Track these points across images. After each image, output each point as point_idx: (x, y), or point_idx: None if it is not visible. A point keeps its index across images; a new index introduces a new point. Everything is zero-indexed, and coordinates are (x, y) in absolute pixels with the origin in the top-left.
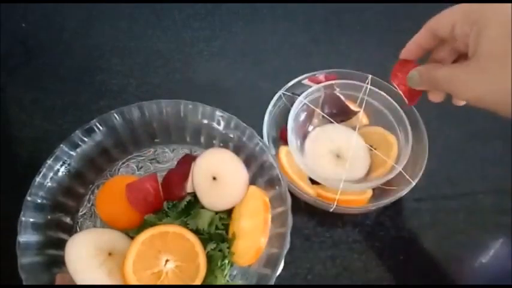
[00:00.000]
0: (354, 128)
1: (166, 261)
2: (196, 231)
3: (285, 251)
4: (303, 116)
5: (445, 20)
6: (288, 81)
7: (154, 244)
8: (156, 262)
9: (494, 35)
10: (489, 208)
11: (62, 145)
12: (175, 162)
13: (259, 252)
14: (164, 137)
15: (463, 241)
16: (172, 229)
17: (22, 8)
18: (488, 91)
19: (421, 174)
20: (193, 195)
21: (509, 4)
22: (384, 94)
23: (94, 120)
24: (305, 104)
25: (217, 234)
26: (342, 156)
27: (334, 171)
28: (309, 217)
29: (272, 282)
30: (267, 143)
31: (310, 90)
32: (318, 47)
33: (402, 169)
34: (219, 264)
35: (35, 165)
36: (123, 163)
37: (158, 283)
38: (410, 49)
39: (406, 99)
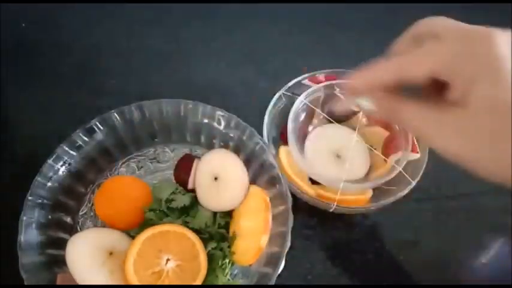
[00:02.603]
0: (354, 128)
1: (167, 260)
2: (197, 231)
3: (286, 250)
4: (303, 116)
5: (421, 68)
6: (288, 81)
7: (155, 243)
8: (157, 261)
9: (496, 91)
10: (489, 208)
11: (62, 145)
12: (176, 162)
13: (259, 252)
14: (164, 136)
15: (463, 241)
16: (173, 228)
17: (22, 8)
18: (479, 157)
19: (421, 174)
20: (194, 195)
21: None
22: None
23: (94, 119)
24: (305, 104)
25: (217, 233)
26: (342, 156)
27: (334, 171)
28: (309, 217)
29: (273, 281)
30: (267, 142)
31: (310, 90)
32: (318, 47)
33: (402, 169)
34: (219, 263)
35: (34, 165)
36: (123, 163)
37: (159, 282)
38: (366, 81)
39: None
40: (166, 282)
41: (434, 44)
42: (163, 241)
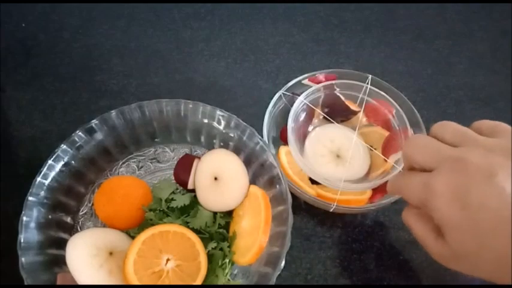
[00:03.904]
0: (354, 128)
1: (167, 260)
2: (197, 231)
3: (286, 250)
4: (303, 116)
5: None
6: (288, 81)
7: (155, 243)
8: (157, 261)
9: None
10: None
11: (62, 144)
12: (176, 162)
13: (260, 252)
14: (164, 136)
15: None
16: (173, 228)
17: (22, 8)
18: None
19: None
20: (194, 195)
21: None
22: (384, 94)
23: (94, 119)
24: (305, 104)
25: (218, 233)
26: (342, 156)
27: (334, 171)
28: (309, 217)
29: (273, 281)
30: (267, 142)
31: (310, 90)
32: (318, 47)
33: (402, 169)
34: (219, 263)
35: (34, 165)
36: (123, 163)
37: (159, 282)
38: None
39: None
40: (166, 282)
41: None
42: (163, 241)
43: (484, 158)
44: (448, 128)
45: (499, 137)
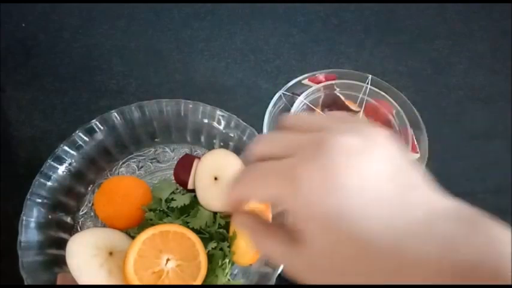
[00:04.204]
0: None
1: (167, 260)
2: (197, 231)
3: None
4: None
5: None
6: (288, 81)
7: (155, 243)
8: (157, 261)
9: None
10: (489, 208)
11: (62, 145)
12: (176, 162)
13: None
14: (164, 136)
15: None
16: (173, 228)
17: (22, 8)
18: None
19: None
20: (194, 195)
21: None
22: (384, 94)
23: (94, 119)
24: (305, 104)
25: (218, 233)
26: None
27: None
28: None
29: (273, 281)
30: None
31: (310, 90)
32: (318, 47)
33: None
34: (219, 263)
35: (34, 165)
36: (123, 163)
37: (159, 282)
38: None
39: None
40: (166, 282)
41: None
42: (163, 241)
43: (349, 138)
44: (296, 119)
45: (352, 122)
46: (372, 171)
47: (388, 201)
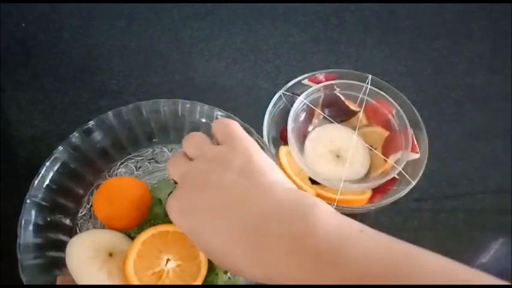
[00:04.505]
0: (354, 128)
1: (167, 260)
2: None
3: None
4: (303, 116)
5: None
6: (288, 81)
7: (154, 244)
8: (157, 262)
9: None
10: (489, 208)
11: (60, 146)
12: None
13: None
14: (162, 136)
15: (463, 241)
16: (173, 228)
17: (22, 8)
18: None
19: (421, 174)
20: None
21: None
22: (384, 94)
23: (92, 121)
24: (305, 104)
25: None
26: (342, 156)
27: (334, 171)
28: None
29: None
30: (267, 143)
31: (310, 90)
32: (318, 47)
33: (402, 169)
34: None
35: (34, 165)
36: (121, 163)
37: (159, 283)
38: None
39: None
40: (167, 282)
41: None
42: (163, 241)
43: (202, 169)
44: (191, 141)
45: (226, 143)
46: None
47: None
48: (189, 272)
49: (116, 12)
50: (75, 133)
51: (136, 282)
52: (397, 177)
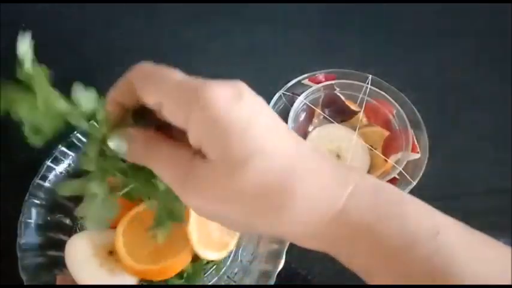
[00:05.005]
0: (354, 128)
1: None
2: None
3: (286, 246)
4: (303, 116)
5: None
6: (288, 81)
7: (142, 222)
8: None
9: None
10: (489, 208)
11: (60, 146)
12: None
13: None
14: None
15: None
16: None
17: (22, 8)
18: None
19: (421, 174)
20: None
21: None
22: (384, 94)
23: (92, 120)
24: (305, 104)
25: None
26: (342, 156)
27: None
28: None
29: (273, 278)
30: None
31: (310, 90)
32: (318, 47)
33: (402, 169)
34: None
35: (34, 165)
36: None
37: (159, 259)
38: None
39: None
40: (163, 257)
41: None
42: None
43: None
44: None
45: None
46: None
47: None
48: (181, 236)
49: (116, 12)
50: (75, 133)
51: (132, 263)
52: (397, 177)
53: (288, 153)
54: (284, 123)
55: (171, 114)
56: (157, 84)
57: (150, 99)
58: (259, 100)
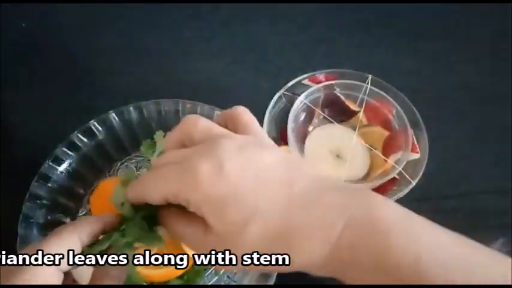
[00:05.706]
0: (354, 128)
1: None
2: None
3: None
4: (303, 116)
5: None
6: (288, 81)
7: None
8: None
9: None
10: (489, 208)
11: (61, 146)
12: None
13: None
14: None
15: None
16: None
17: (22, 8)
18: None
19: (421, 174)
20: None
21: None
22: (384, 94)
23: (92, 120)
24: (305, 104)
25: None
26: (342, 156)
27: (334, 171)
28: None
29: (273, 278)
30: None
31: (310, 90)
32: (318, 47)
33: (402, 169)
34: None
35: (34, 166)
36: (122, 163)
37: None
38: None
39: None
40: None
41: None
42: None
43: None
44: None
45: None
46: (260, 159)
47: (272, 183)
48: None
49: (116, 12)
50: (76, 133)
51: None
52: (397, 177)
53: (281, 204)
54: (274, 157)
55: (176, 201)
56: (158, 188)
57: (156, 200)
58: (242, 158)
